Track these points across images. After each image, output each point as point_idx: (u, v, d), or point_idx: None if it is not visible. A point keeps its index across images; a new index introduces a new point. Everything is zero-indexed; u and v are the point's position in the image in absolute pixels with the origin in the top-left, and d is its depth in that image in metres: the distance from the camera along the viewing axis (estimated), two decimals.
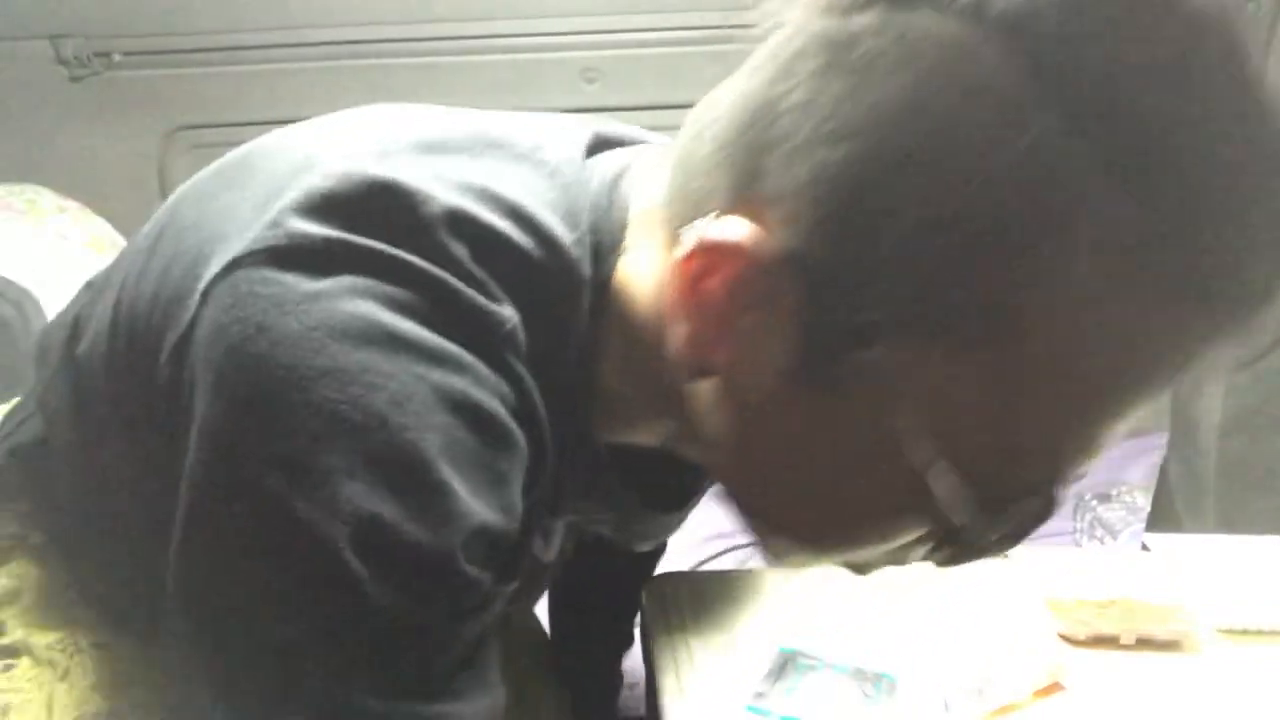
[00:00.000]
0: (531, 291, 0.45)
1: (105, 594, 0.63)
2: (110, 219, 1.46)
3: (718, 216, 0.40)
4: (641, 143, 0.56)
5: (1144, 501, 1.43)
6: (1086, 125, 0.34)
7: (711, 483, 0.68)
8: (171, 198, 0.55)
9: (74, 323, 0.59)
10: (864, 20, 0.37)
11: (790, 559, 0.54)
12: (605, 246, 0.48)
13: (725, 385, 0.43)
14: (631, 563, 0.89)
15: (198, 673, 0.43)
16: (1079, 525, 1.48)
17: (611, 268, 0.48)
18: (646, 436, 0.54)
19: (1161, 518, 1.19)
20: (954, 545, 0.46)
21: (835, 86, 0.37)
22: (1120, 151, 0.35)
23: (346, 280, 0.41)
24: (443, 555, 0.41)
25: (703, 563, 1.44)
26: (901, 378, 0.38)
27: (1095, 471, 1.40)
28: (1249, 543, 0.88)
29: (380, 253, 0.41)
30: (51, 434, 0.60)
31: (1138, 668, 0.75)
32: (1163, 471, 1.20)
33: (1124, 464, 1.64)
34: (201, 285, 0.43)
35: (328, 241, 0.41)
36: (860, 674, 0.74)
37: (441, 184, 0.44)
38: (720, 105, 0.45)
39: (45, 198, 1.43)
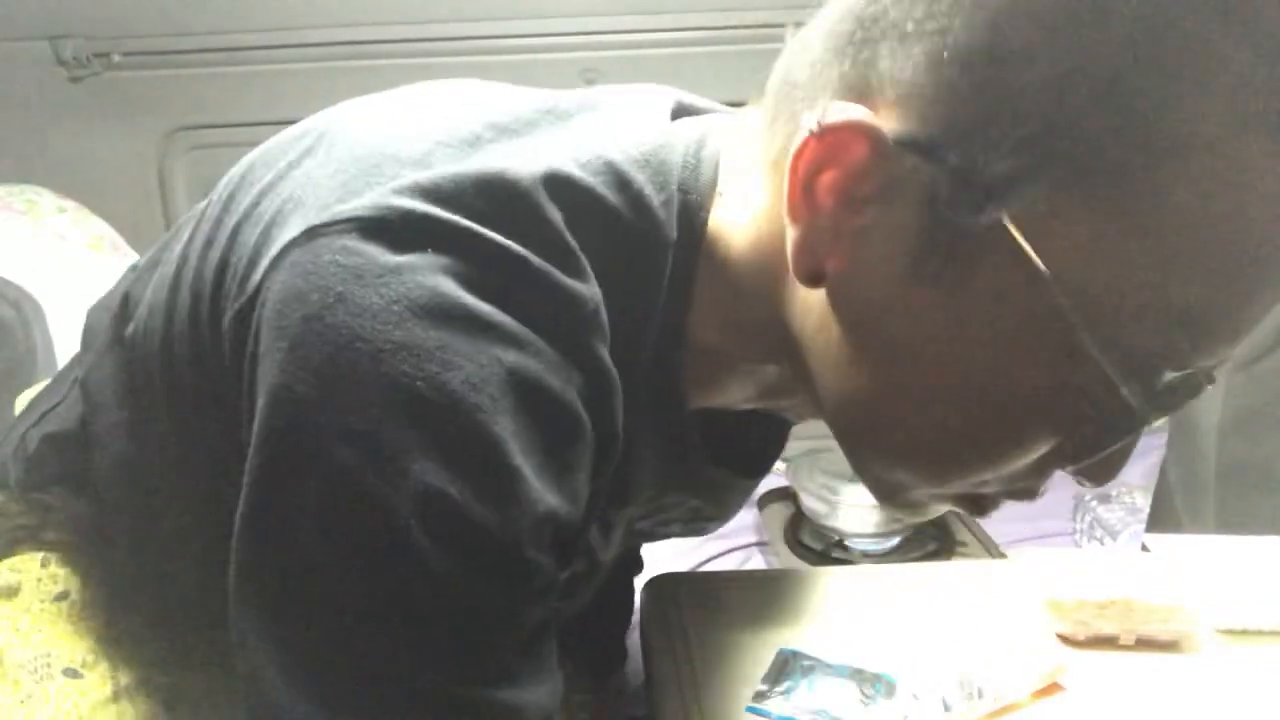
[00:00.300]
0: (620, 255, 0.45)
1: (105, 598, 0.63)
2: (110, 219, 1.46)
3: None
4: (720, 112, 0.56)
5: (1143, 502, 1.43)
6: None
7: (784, 443, 0.67)
8: (238, 166, 0.53)
9: (122, 302, 0.58)
10: None
11: (908, 501, 0.50)
12: (694, 205, 0.48)
13: (840, 294, 0.43)
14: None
15: (256, 646, 0.42)
16: (1079, 526, 1.48)
17: (703, 224, 0.48)
18: (741, 391, 0.53)
19: (1161, 518, 1.19)
20: (1094, 445, 0.42)
21: None
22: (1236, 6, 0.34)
23: (429, 257, 0.40)
24: (508, 538, 0.41)
25: (703, 563, 1.44)
26: (1039, 236, 0.37)
27: None
28: (1249, 543, 0.88)
29: (464, 229, 0.41)
30: (94, 417, 0.59)
31: (1137, 668, 0.75)
32: (1162, 472, 1.19)
33: None
34: (275, 249, 0.43)
35: (412, 216, 0.41)
36: (859, 675, 0.74)
37: (529, 155, 0.44)
38: (815, 29, 0.44)
39: (45, 198, 1.42)
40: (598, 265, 0.44)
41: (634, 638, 1.14)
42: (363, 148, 0.45)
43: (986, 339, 0.39)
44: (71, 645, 0.62)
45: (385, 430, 0.39)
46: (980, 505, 0.49)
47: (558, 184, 0.44)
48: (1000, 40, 0.36)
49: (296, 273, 0.41)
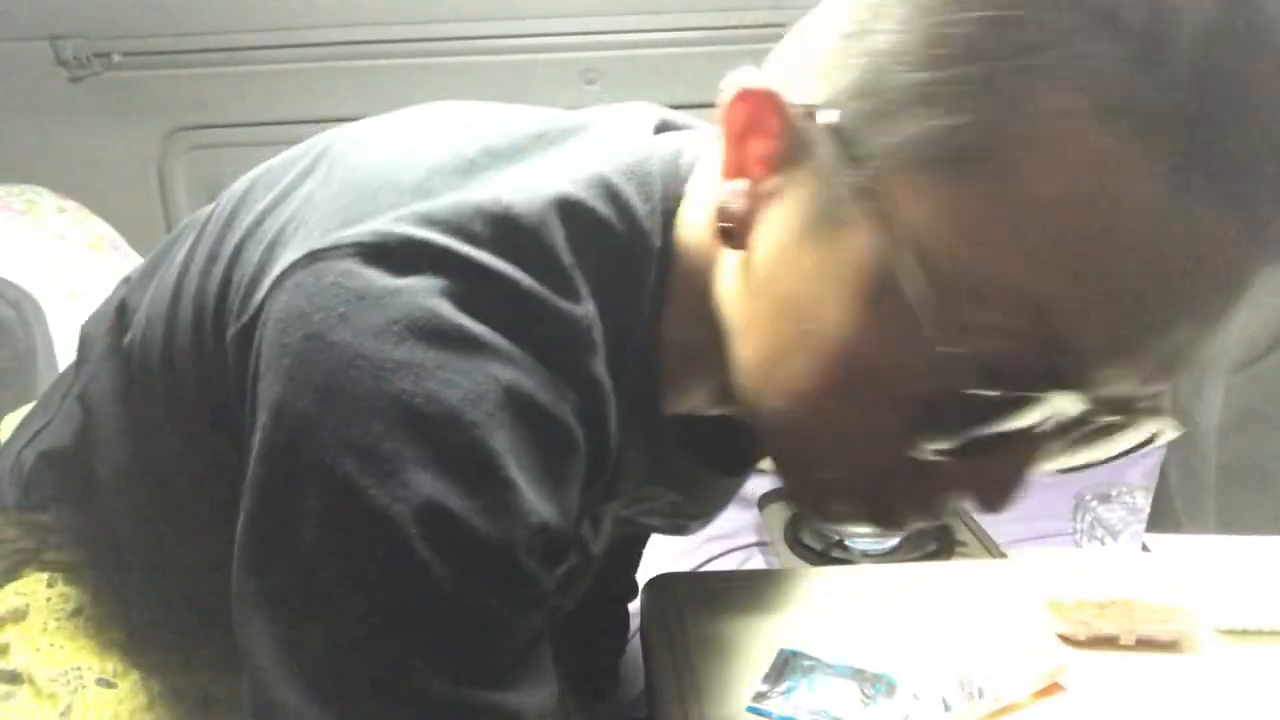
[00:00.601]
0: (613, 268, 0.47)
1: (121, 610, 0.64)
2: (110, 219, 1.46)
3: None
4: (701, 128, 0.59)
5: (1144, 502, 1.43)
6: None
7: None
8: (240, 183, 0.55)
9: (118, 312, 0.59)
10: None
11: (821, 505, 0.51)
12: (671, 212, 0.50)
13: (752, 259, 0.45)
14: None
15: (262, 650, 0.43)
16: (1079, 526, 1.48)
17: (677, 228, 0.51)
18: (710, 388, 0.54)
19: (1161, 518, 1.19)
20: (946, 436, 0.42)
21: None
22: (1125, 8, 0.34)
23: (427, 279, 0.42)
24: (505, 548, 0.42)
25: (703, 564, 1.44)
26: (900, 206, 0.38)
27: (1095, 472, 1.40)
28: (1249, 543, 0.88)
29: (460, 254, 0.43)
30: (94, 429, 0.60)
31: (1138, 668, 0.75)
32: (1163, 472, 1.20)
33: (1124, 464, 1.64)
34: (278, 269, 0.44)
35: (411, 242, 0.42)
36: (860, 675, 0.74)
37: (524, 180, 0.46)
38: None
39: (45, 198, 1.43)
40: (594, 280, 0.46)
41: (634, 640, 1.14)
42: (363, 173, 0.47)
43: (854, 305, 0.40)
44: (99, 658, 0.63)
45: (386, 444, 0.40)
46: (890, 519, 0.49)
47: (556, 207, 0.45)
48: (876, 20, 0.39)
49: (299, 294, 0.42)
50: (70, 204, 1.44)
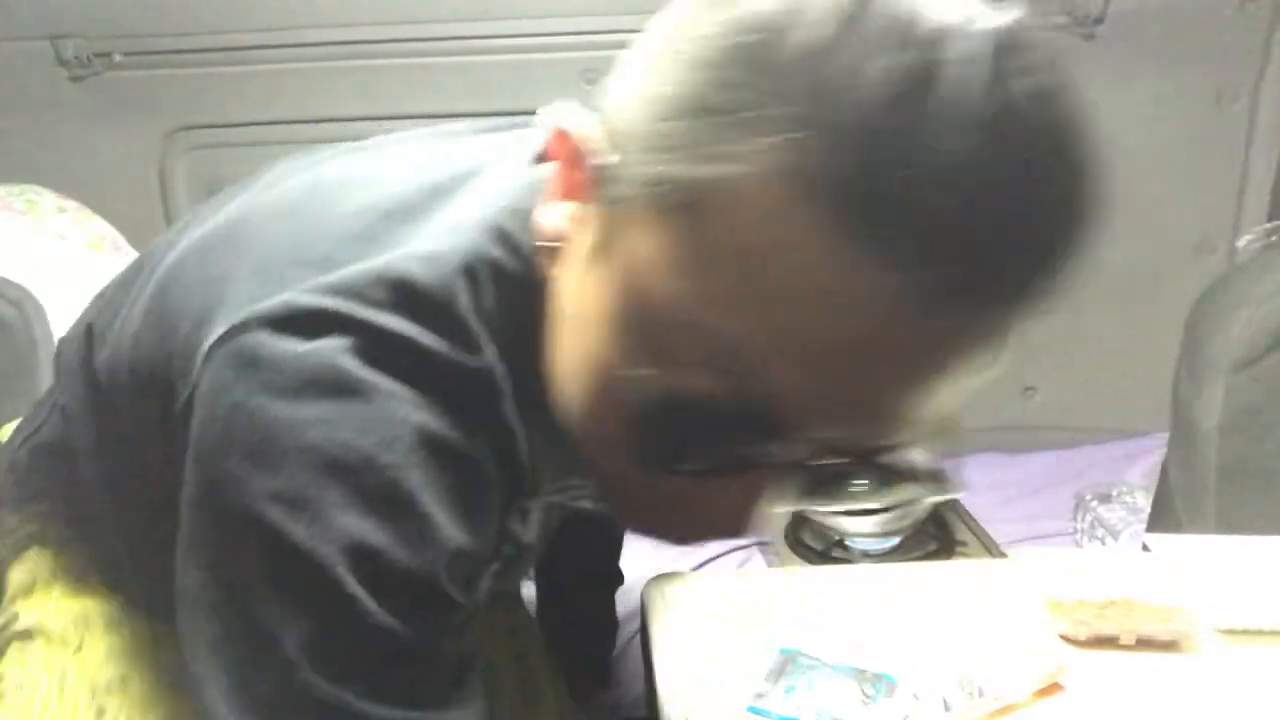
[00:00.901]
0: (511, 311, 0.51)
1: (119, 578, 0.70)
2: (110, 219, 1.46)
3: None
4: None
5: (1144, 502, 1.43)
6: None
7: None
8: (174, 255, 0.58)
9: (87, 334, 0.63)
10: None
11: (621, 515, 0.56)
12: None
13: (558, 282, 0.49)
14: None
15: (211, 690, 0.47)
16: (1079, 526, 1.48)
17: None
18: None
19: (1162, 518, 1.19)
20: (655, 459, 0.46)
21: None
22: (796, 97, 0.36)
23: (332, 341, 0.47)
24: (427, 576, 0.47)
25: (703, 564, 1.44)
26: (625, 240, 0.42)
27: (1096, 472, 1.40)
28: (1249, 543, 0.88)
29: (361, 318, 0.47)
30: (72, 438, 0.65)
31: (1138, 668, 0.75)
32: (1163, 472, 1.20)
33: (1124, 464, 1.64)
34: (205, 346, 0.49)
35: (316, 311, 0.47)
36: (860, 674, 0.74)
37: (420, 241, 0.50)
38: None
39: (45, 198, 1.43)
40: (495, 326, 0.50)
41: (634, 640, 1.14)
42: (274, 249, 0.52)
43: (601, 333, 0.44)
44: (105, 602, 0.70)
45: (309, 491, 0.45)
46: (671, 536, 0.53)
47: (454, 265, 0.49)
48: (649, 68, 0.42)
49: (223, 367, 0.48)
50: (71, 204, 1.44)
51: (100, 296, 0.68)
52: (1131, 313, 1.73)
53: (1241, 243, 1.51)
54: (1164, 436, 1.18)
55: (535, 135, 0.59)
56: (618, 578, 1.10)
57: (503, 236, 0.51)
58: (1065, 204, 0.39)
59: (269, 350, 0.47)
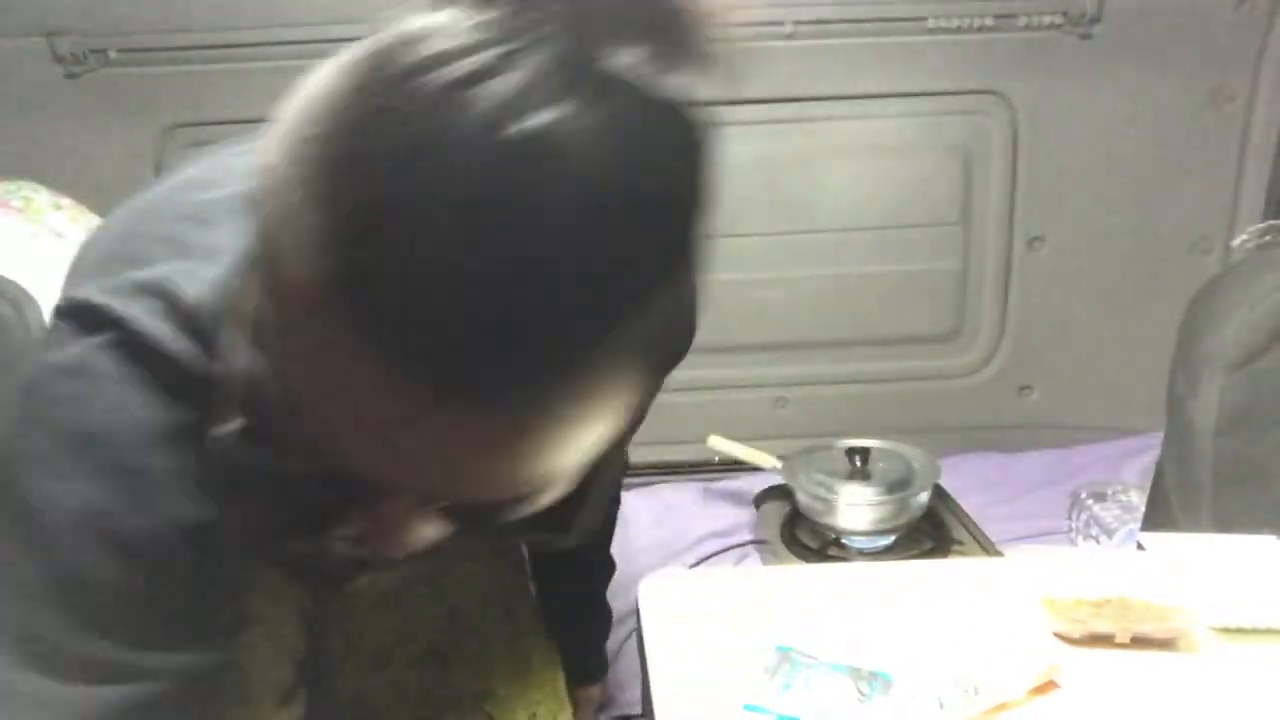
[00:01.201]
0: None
1: None
2: (106, 216, 1.45)
3: None
4: None
5: (1139, 500, 1.43)
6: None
7: None
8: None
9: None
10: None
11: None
12: None
13: None
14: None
15: None
16: (1075, 524, 1.48)
17: None
18: None
19: (1157, 517, 1.19)
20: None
21: None
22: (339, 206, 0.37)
23: (97, 335, 0.53)
24: (159, 536, 0.53)
25: (699, 562, 1.44)
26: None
27: (1091, 471, 1.40)
28: (1244, 542, 0.88)
29: (121, 316, 0.53)
30: None
31: (1133, 666, 0.76)
32: (1158, 471, 1.20)
33: (1119, 463, 1.64)
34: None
35: (89, 306, 0.54)
36: (856, 672, 0.74)
37: (190, 265, 0.56)
38: None
39: (41, 195, 1.42)
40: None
41: (632, 639, 1.14)
42: (109, 242, 0.60)
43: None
44: None
45: (55, 462, 0.52)
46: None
47: (219, 284, 0.54)
48: None
49: (41, 342, 0.57)
50: (66, 201, 1.43)
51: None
52: (1127, 312, 1.73)
53: (1237, 242, 1.52)
54: (1159, 436, 1.18)
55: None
56: (609, 566, 1.12)
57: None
58: (569, 284, 0.36)
59: (57, 335, 0.55)
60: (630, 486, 1.68)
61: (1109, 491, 1.49)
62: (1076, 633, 0.78)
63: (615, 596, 1.20)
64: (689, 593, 0.87)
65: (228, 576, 0.61)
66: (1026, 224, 1.68)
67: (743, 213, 1.64)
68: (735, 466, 1.58)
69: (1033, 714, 0.71)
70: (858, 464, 1.41)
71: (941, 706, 0.71)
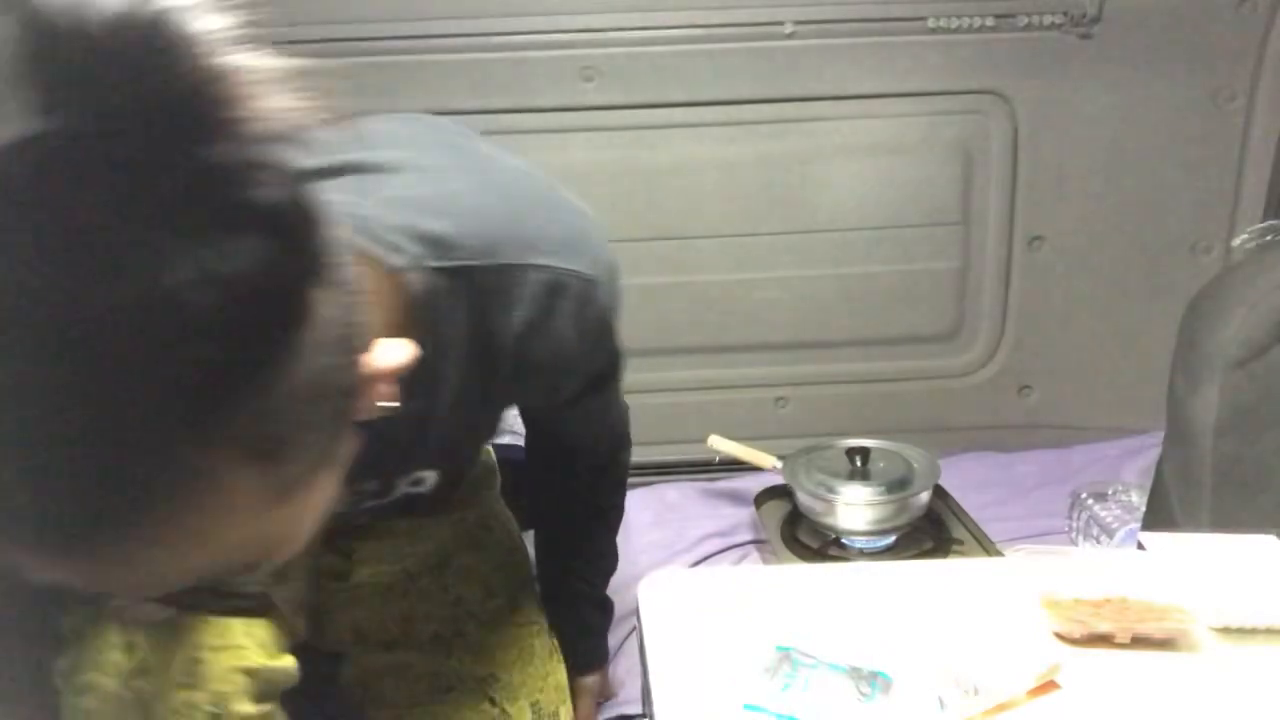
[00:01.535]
0: None
1: None
2: None
3: None
4: None
5: (1139, 500, 1.43)
6: None
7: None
8: None
9: None
10: None
11: None
12: None
13: None
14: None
15: None
16: (1075, 524, 1.48)
17: None
18: None
19: (1157, 517, 1.19)
20: None
21: None
22: None
23: None
24: None
25: (699, 561, 1.44)
26: None
27: (1091, 471, 1.40)
28: (1244, 542, 0.88)
29: None
30: None
31: (1133, 666, 0.76)
32: (1158, 471, 1.20)
33: (1120, 463, 1.64)
34: None
35: None
36: (856, 672, 0.74)
37: None
38: None
39: None
40: None
41: (631, 638, 1.14)
42: None
43: None
44: None
45: None
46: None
47: None
48: None
49: None
50: None
51: None
52: (1127, 312, 1.73)
53: (1237, 242, 1.51)
54: (1159, 435, 1.18)
55: None
56: (605, 556, 1.14)
57: None
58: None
59: None
60: (630, 486, 1.67)
61: (1109, 491, 1.49)
62: (1076, 633, 0.78)
63: (615, 596, 1.20)
64: (689, 592, 0.87)
65: None
66: (1026, 224, 1.68)
67: (743, 213, 1.64)
68: (735, 466, 1.58)
69: (1033, 714, 0.71)
70: (858, 464, 1.41)
71: (941, 706, 0.71)
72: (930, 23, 1.55)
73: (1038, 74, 1.59)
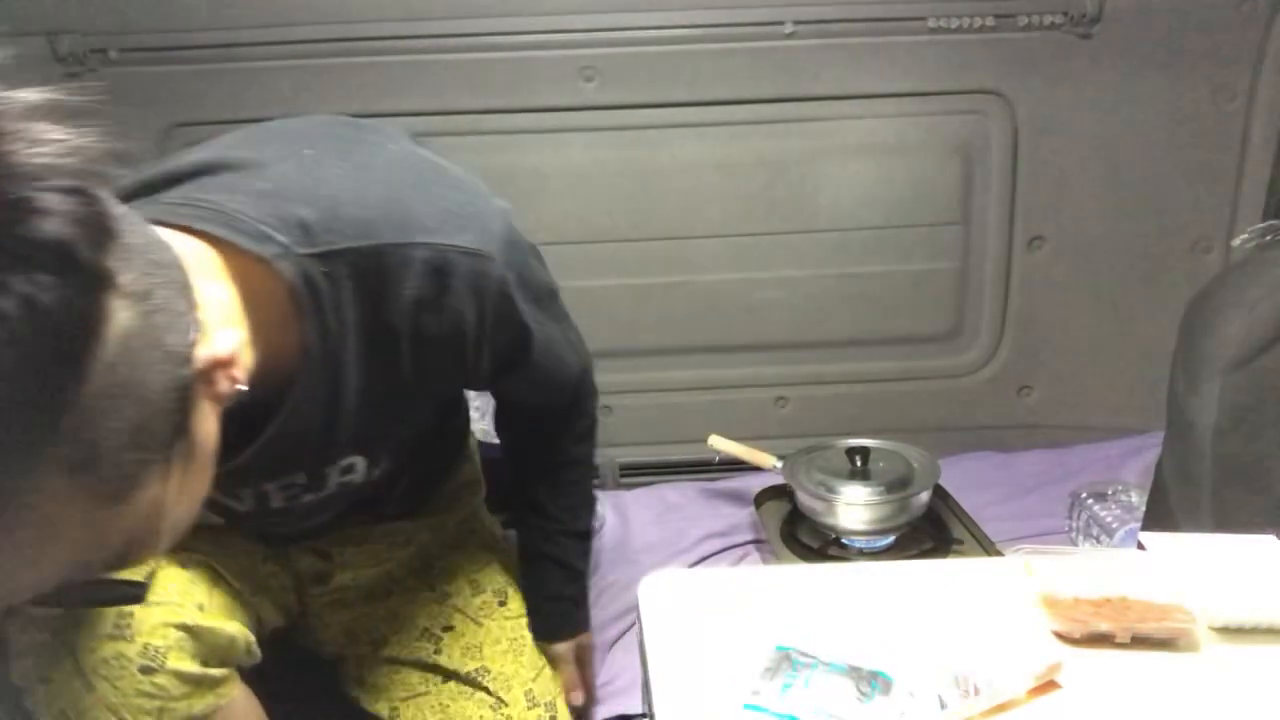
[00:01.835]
0: None
1: None
2: None
3: None
4: None
5: (1139, 500, 1.43)
6: None
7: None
8: None
9: None
10: None
11: None
12: None
13: None
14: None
15: None
16: (1075, 524, 1.48)
17: None
18: None
19: (1157, 517, 1.19)
20: None
21: None
22: None
23: None
24: None
25: (699, 561, 1.44)
26: None
27: (1091, 470, 1.40)
28: (1244, 542, 0.88)
29: None
30: None
31: (1133, 666, 0.76)
32: (1158, 470, 1.20)
33: (1119, 463, 1.64)
34: None
35: None
36: (856, 672, 0.74)
37: None
38: None
39: None
40: None
41: (630, 635, 1.14)
42: None
43: None
44: None
45: None
46: None
47: None
48: None
49: None
50: None
51: None
52: (1127, 311, 1.73)
53: (1237, 242, 1.51)
54: (1159, 435, 1.18)
55: None
56: (573, 519, 1.13)
57: None
58: None
59: None
60: (630, 487, 1.68)
61: (1109, 491, 1.49)
62: (1077, 632, 0.78)
63: (615, 596, 1.20)
64: (689, 592, 0.87)
65: None
66: (1026, 224, 1.68)
67: (743, 213, 1.64)
68: (735, 466, 1.58)
69: (1033, 714, 0.71)
70: (858, 464, 1.41)
71: (942, 706, 0.71)
72: (930, 23, 1.55)
73: (1038, 74, 1.59)
